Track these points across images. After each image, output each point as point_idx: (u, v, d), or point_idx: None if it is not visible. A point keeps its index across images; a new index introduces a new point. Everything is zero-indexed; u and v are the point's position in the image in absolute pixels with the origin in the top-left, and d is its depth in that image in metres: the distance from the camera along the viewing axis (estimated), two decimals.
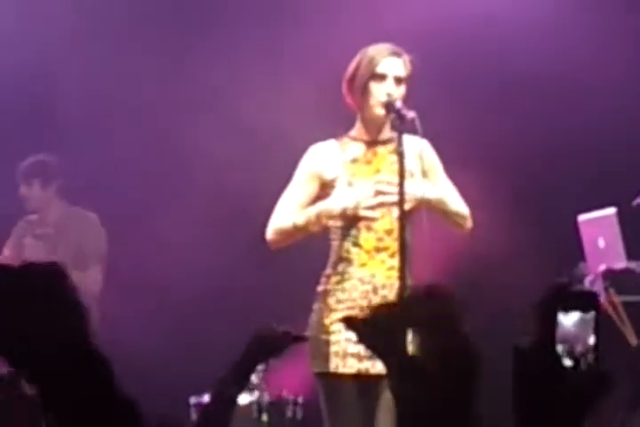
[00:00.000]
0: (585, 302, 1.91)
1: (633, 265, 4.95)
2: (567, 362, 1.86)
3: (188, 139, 5.85)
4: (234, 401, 2.55)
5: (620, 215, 4.93)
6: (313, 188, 3.99)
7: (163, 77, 6.01)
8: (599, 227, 5.02)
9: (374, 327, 2.30)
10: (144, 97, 5.94)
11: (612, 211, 4.92)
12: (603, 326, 1.89)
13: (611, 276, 4.96)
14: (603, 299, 4.94)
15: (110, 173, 6.05)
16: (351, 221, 3.91)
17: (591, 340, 1.88)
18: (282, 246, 4.06)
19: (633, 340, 4.92)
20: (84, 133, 6.02)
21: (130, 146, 5.98)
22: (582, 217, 5.06)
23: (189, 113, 5.99)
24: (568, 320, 1.88)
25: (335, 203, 3.90)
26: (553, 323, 1.86)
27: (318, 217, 3.90)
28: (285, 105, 5.58)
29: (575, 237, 5.09)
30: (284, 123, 5.43)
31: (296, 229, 3.95)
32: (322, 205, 3.92)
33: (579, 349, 1.87)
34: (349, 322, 2.42)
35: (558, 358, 1.86)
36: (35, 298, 2.10)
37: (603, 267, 4.95)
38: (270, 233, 4.00)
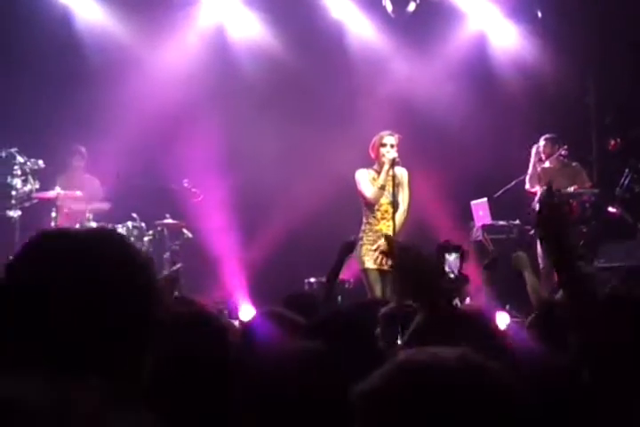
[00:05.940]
0: (455, 248, 4.48)
1: (494, 222, 10.53)
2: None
3: None
4: (337, 275, 5.08)
5: (489, 201, 10.47)
6: (371, 181, 8.76)
7: None
8: (479, 206, 10.60)
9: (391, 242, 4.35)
10: None
11: (484, 199, 10.48)
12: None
13: (486, 226, 10.49)
14: (481, 237, 10.56)
15: None
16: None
17: (457, 265, 4.49)
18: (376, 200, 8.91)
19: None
20: None
21: None
22: (473, 202, 10.61)
23: None
24: (450, 257, 4.44)
25: (381, 180, 8.76)
26: (443, 257, 4.43)
27: (384, 181, 8.72)
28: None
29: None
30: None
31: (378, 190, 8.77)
32: (379, 182, 8.72)
33: (454, 271, 4.54)
34: (386, 238, 5.48)
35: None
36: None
37: (480, 223, 10.47)
38: (371, 195, 8.65)
